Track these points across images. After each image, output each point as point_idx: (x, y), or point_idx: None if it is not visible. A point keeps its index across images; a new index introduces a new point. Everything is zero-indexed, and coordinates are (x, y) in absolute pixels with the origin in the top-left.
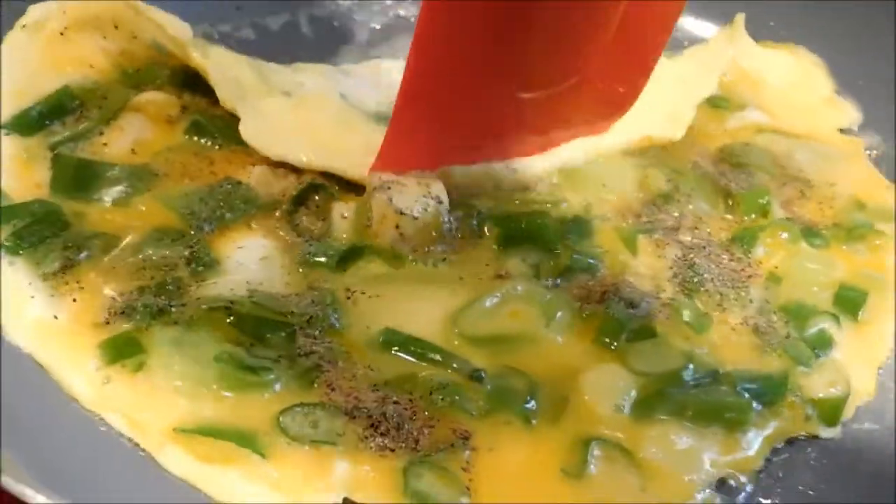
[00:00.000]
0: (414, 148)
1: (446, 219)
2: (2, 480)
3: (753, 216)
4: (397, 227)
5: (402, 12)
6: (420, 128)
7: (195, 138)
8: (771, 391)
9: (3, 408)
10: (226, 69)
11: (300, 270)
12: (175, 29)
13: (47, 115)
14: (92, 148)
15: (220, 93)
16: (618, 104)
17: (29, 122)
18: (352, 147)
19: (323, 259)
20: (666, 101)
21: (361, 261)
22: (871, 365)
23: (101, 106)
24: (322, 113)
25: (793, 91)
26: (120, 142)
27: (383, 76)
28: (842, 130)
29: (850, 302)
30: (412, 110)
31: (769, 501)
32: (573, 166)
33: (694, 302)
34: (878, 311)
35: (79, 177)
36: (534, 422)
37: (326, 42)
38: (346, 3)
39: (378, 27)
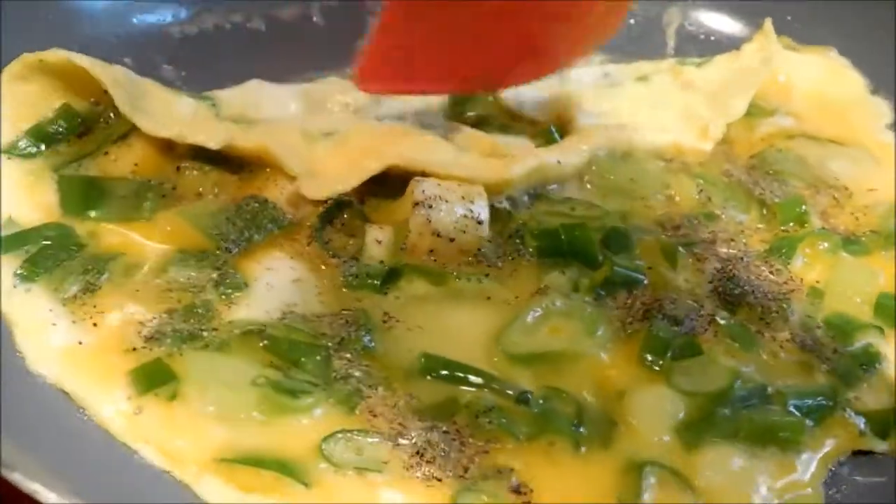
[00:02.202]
0: (395, 65)
1: (485, 237)
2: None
3: (791, 226)
4: (432, 250)
5: None
6: (405, 44)
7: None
8: (821, 407)
9: (36, 438)
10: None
11: (343, 291)
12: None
13: (50, 135)
14: (98, 166)
15: (286, 162)
16: (601, 31)
17: (30, 143)
18: (401, 143)
19: (366, 280)
20: (696, 115)
21: (403, 281)
22: None
23: (107, 124)
24: (366, 138)
25: (823, 93)
26: (128, 158)
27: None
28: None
29: (890, 311)
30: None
31: None
32: (602, 158)
33: (738, 317)
34: None
35: (86, 195)
36: (583, 447)
37: (339, 33)
38: None
39: None
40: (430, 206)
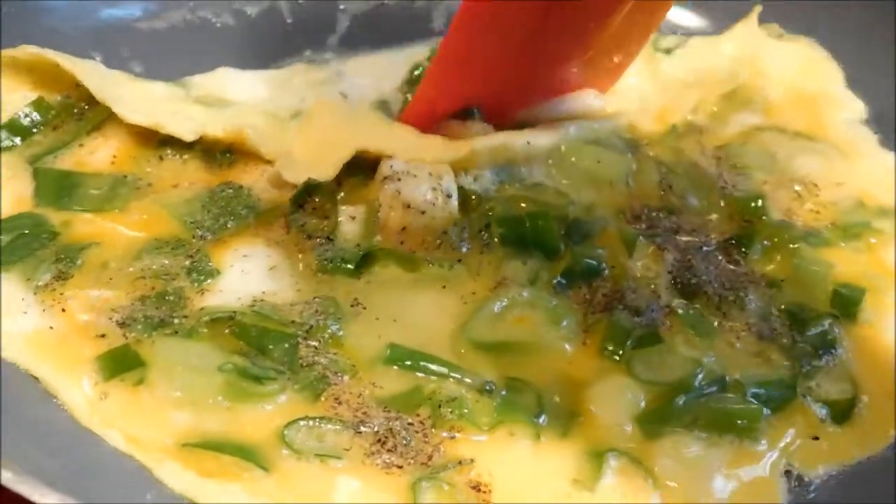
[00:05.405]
0: (441, 96)
1: (455, 214)
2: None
3: (750, 219)
4: (403, 228)
5: None
6: (454, 75)
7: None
8: (780, 396)
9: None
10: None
11: (317, 275)
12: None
13: (25, 128)
14: (74, 158)
15: (262, 147)
16: (615, 71)
17: (6, 136)
18: (367, 132)
19: (340, 265)
20: (656, 99)
21: (376, 266)
22: (879, 362)
23: (80, 117)
24: (330, 119)
25: (799, 84)
26: (104, 150)
27: (375, 69)
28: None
29: (847, 301)
30: (450, 62)
31: None
32: (569, 142)
33: (696, 306)
34: (880, 308)
35: (62, 187)
36: (542, 437)
37: (308, 29)
38: None
39: (360, 14)
40: (399, 180)
